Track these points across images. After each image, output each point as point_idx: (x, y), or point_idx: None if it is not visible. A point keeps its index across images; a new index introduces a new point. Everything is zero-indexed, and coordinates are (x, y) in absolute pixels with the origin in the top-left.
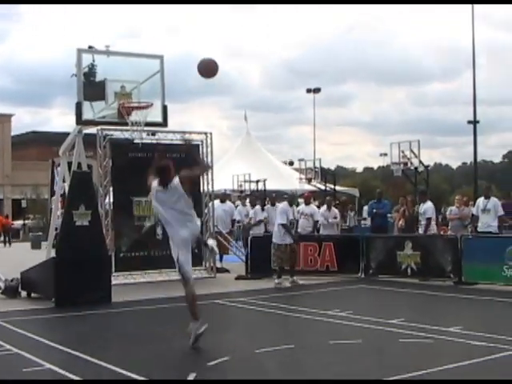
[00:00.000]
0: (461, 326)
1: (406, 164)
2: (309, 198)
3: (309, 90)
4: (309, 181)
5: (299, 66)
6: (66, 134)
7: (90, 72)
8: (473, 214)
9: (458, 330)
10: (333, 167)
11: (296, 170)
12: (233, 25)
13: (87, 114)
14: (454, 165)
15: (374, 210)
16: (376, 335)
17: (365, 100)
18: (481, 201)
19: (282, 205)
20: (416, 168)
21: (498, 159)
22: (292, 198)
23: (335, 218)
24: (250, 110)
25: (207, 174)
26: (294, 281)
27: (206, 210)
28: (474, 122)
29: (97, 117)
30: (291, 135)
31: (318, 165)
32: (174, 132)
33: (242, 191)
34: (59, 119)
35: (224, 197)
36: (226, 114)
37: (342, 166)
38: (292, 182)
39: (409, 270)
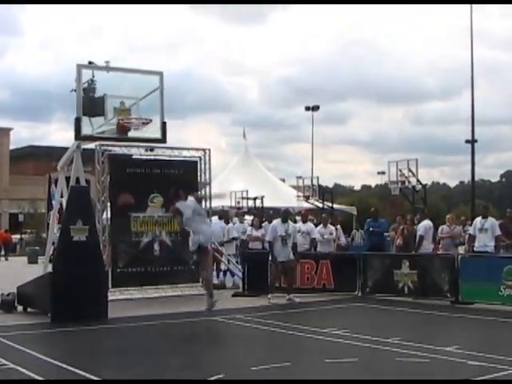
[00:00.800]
0: (457, 346)
1: (403, 183)
2: (306, 215)
3: (307, 108)
4: (306, 198)
5: (298, 84)
6: (65, 149)
7: (90, 87)
8: (470, 234)
9: (455, 349)
10: (331, 185)
11: (294, 187)
12: (232, 41)
13: (86, 130)
14: (452, 184)
15: (371, 229)
16: (372, 354)
17: (363, 118)
18: (478, 220)
19: (273, 222)
20: (414, 187)
21: (495, 179)
22: (286, 215)
23: (331, 234)
24: (249, 127)
25: (205, 191)
26: (290, 298)
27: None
28: (472, 142)
29: (95, 132)
30: (289, 152)
31: (315, 182)
32: (172, 148)
33: (239, 208)
34: (58, 134)
35: (222, 214)
36: (224, 131)
37: (340, 183)
38: (290, 199)
39: (406, 289)
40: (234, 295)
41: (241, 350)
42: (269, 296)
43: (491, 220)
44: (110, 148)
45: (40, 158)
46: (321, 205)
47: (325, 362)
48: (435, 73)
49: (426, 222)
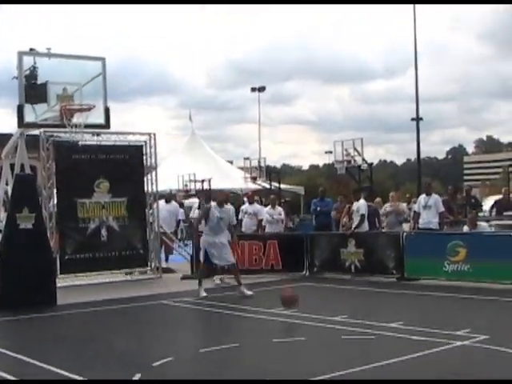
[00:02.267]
0: (402, 322)
1: (349, 162)
2: (252, 196)
3: (253, 89)
4: (253, 179)
5: (244, 65)
6: (9, 136)
7: (32, 74)
8: (414, 211)
9: (400, 325)
10: (279, 165)
11: (241, 168)
12: (178, 24)
13: (29, 117)
14: (399, 161)
15: (318, 208)
16: (319, 332)
17: (310, 98)
18: (422, 197)
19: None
20: (359, 166)
21: (441, 155)
22: (223, 199)
23: (280, 214)
24: (195, 109)
25: (151, 175)
26: (221, 279)
27: (150, 211)
28: (417, 119)
29: (39, 119)
30: (236, 134)
31: (263, 163)
32: (117, 133)
33: (187, 191)
34: (1, 120)
35: (169, 197)
36: (171, 114)
37: (288, 164)
38: (237, 181)
39: (352, 267)
40: (182, 278)
41: (189, 333)
42: (214, 278)
43: (435, 197)
44: (54, 134)
45: None
46: (268, 185)
47: (273, 341)
48: (379, 52)
49: (363, 201)
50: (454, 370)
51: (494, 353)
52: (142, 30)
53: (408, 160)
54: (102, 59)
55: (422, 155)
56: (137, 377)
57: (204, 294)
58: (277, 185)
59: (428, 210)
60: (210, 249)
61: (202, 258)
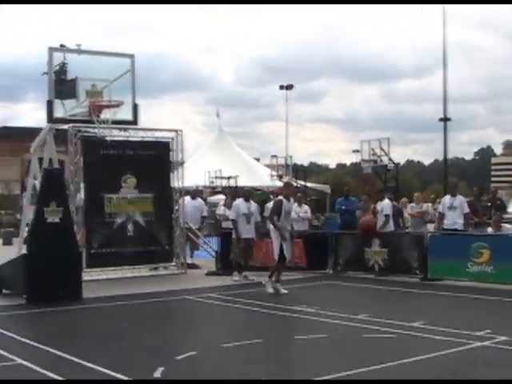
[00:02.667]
0: (423, 321)
1: (375, 161)
2: (278, 193)
3: (281, 87)
4: (280, 177)
5: (273, 63)
6: (38, 130)
7: (61, 70)
8: (439, 212)
9: (421, 324)
10: (306, 163)
11: (268, 166)
12: (207, 22)
13: (58, 112)
14: (426, 162)
15: (343, 207)
16: (341, 330)
17: (337, 97)
18: (447, 198)
19: (236, 201)
20: (386, 165)
21: (469, 156)
22: (249, 194)
23: (306, 212)
24: (223, 106)
25: (177, 171)
26: (246, 276)
27: (176, 207)
28: (445, 119)
29: (68, 115)
30: (264, 131)
31: (289, 161)
32: (144, 129)
33: (213, 187)
34: (31, 114)
35: (195, 193)
36: (199, 110)
37: (315, 162)
38: (264, 178)
39: (376, 267)
40: (207, 274)
41: (213, 328)
42: (233, 274)
43: (460, 198)
44: (83, 129)
45: (13, 138)
46: (294, 184)
47: (295, 338)
48: (409, 51)
49: (388, 201)
50: (470, 370)
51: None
52: (169, 26)
53: (435, 160)
54: (131, 56)
55: (450, 156)
56: (159, 371)
57: (285, 291)
58: (303, 183)
59: (453, 210)
60: (284, 243)
61: (277, 255)
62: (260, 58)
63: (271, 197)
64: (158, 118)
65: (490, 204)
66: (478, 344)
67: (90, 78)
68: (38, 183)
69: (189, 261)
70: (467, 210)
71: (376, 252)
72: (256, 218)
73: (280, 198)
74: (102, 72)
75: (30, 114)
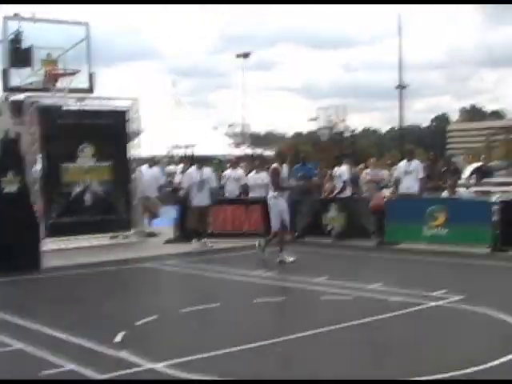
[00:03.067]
0: (381, 283)
1: (332, 128)
2: (236, 162)
3: (238, 55)
4: (237, 146)
5: (229, 31)
6: None
7: (16, 39)
8: (395, 177)
9: (378, 286)
10: (263, 132)
11: (225, 135)
12: None
13: (14, 81)
14: (384, 129)
15: (300, 174)
16: (299, 293)
17: (294, 65)
18: (403, 163)
19: (188, 169)
20: (342, 132)
21: (426, 123)
22: (200, 162)
23: (263, 180)
24: (181, 75)
25: (135, 140)
26: (204, 242)
27: (133, 176)
28: (400, 87)
29: (23, 83)
30: (221, 100)
31: (247, 130)
32: (100, 98)
33: (171, 156)
34: None
35: (152, 162)
36: (156, 80)
37: (271, 131)
38: (221, 147)
39: (334, 231)
40: (166, 242)
41: (172, 295)
42: (191, 241)
43: (416, 162)
44: (39, 99)
45: None
46: (252, 152)
47: (253, 301)
48: (364, 19)
49: (345, 167)
50: (425, 329)
51: (465, 312)
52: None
53: (391, 128)
54: (86, 24)
55: (407, 123)
56: (120, 335)
57: (291, 259)
58: (261, 151)
59: (409, 175)
60: (283, 214)
61: (277, 226)
62: (216, 26)
63: (228, 165)
64: (114, 87)
65: (445, 169)
66: (433, 304)
67: (46, 46)
68: None
69: (147, 229)
70: (422, 174)
71: (333, 217)
72: (211, 185)
73: (275, 165)
74: (58, 41)
75: None
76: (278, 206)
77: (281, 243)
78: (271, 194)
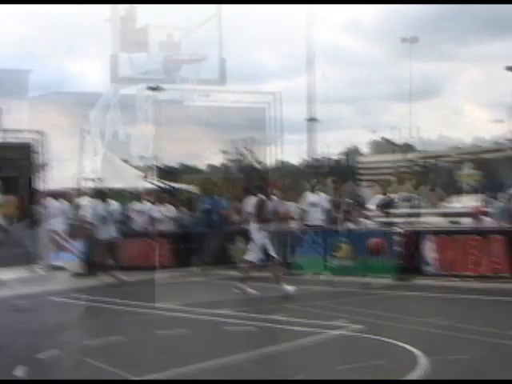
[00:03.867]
0: (282, 314)
1: (241, 161)
2: (143, 195)
3: (149, 88)
4: (145, 178)
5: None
6: None
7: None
8: (302, 209)
9: (281, 317)
10: (176, 164)
11: (136, 168)
12: None
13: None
14: (295, 161)
15: (206, 206)
16: (202, 325)
17: (207, 98)
18: (309, 195)
19: (93, 203)
20: (251, 165)
21: (337, 156)
22: (100, 193)
23: (170, 213)
24: (90, 108)
25: (42, 173)
26: (112, 275)
27: (41, 209)
28: (311, 120)
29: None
30: (132, 133)
31: (156, 162)
32: (5, 130)
33: (79, 189)
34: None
35: (59, 195)
36: (65, 112)
37: (186, 163)
38: (131, 179)
39: (241, 264)
40: (73, 275)
41: (76, 327)
42: (99, 275)
43: (321, 195)
44: None
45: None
46: (162, 185)
47: (156, 333)
48: (276, 53)
49: (253, 199)
50: (323, 355)
51: (362, 339)
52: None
53: (304, 160)
54: None
55: (318, 155)
56: (21, 369)
57: (292, 288)
58: (171, 184)
59: (315, 207)
60: (267, 246)
61: (256, 258)
62: (124, 57)
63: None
64: (22, 119)
65: (350, 201)
66: (335, 332)
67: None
68: None
69: (54, 263)
70: (329, 206)
71: (241, 249)
72: (116, 218)
73: (261, 197)
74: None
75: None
76: (261, 238)
77: (275, 275)
78: (254, 226)
